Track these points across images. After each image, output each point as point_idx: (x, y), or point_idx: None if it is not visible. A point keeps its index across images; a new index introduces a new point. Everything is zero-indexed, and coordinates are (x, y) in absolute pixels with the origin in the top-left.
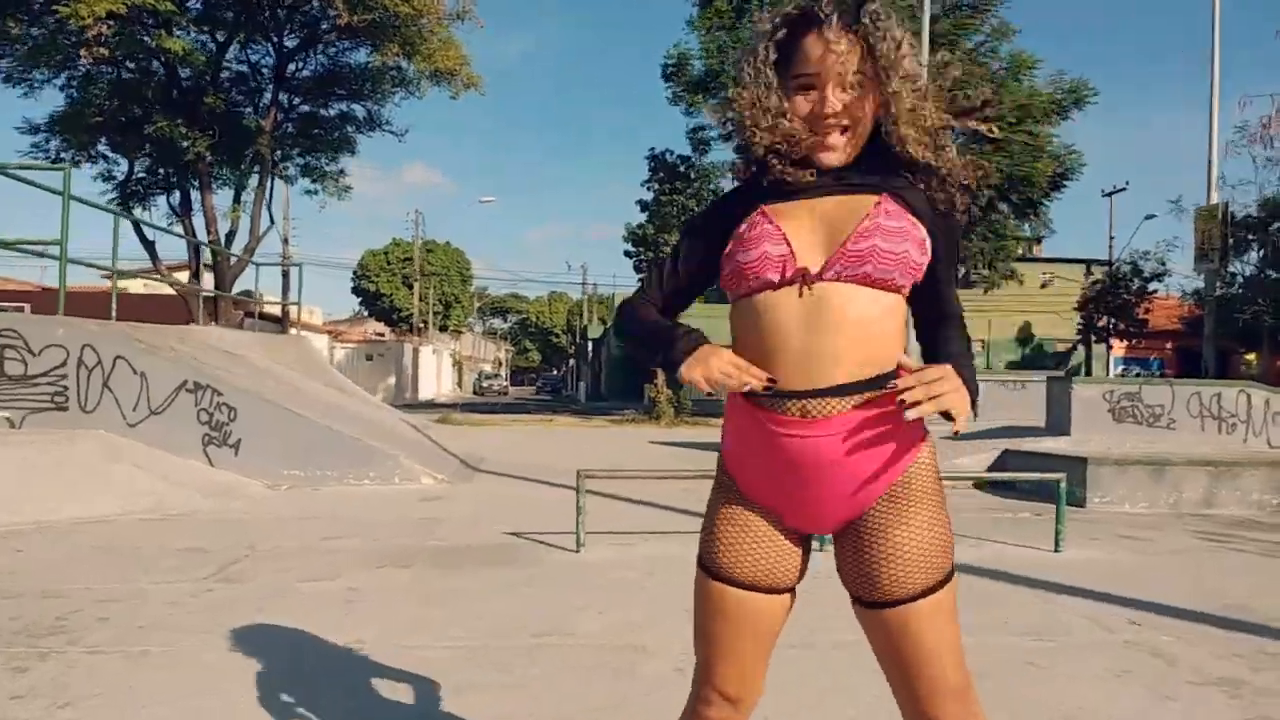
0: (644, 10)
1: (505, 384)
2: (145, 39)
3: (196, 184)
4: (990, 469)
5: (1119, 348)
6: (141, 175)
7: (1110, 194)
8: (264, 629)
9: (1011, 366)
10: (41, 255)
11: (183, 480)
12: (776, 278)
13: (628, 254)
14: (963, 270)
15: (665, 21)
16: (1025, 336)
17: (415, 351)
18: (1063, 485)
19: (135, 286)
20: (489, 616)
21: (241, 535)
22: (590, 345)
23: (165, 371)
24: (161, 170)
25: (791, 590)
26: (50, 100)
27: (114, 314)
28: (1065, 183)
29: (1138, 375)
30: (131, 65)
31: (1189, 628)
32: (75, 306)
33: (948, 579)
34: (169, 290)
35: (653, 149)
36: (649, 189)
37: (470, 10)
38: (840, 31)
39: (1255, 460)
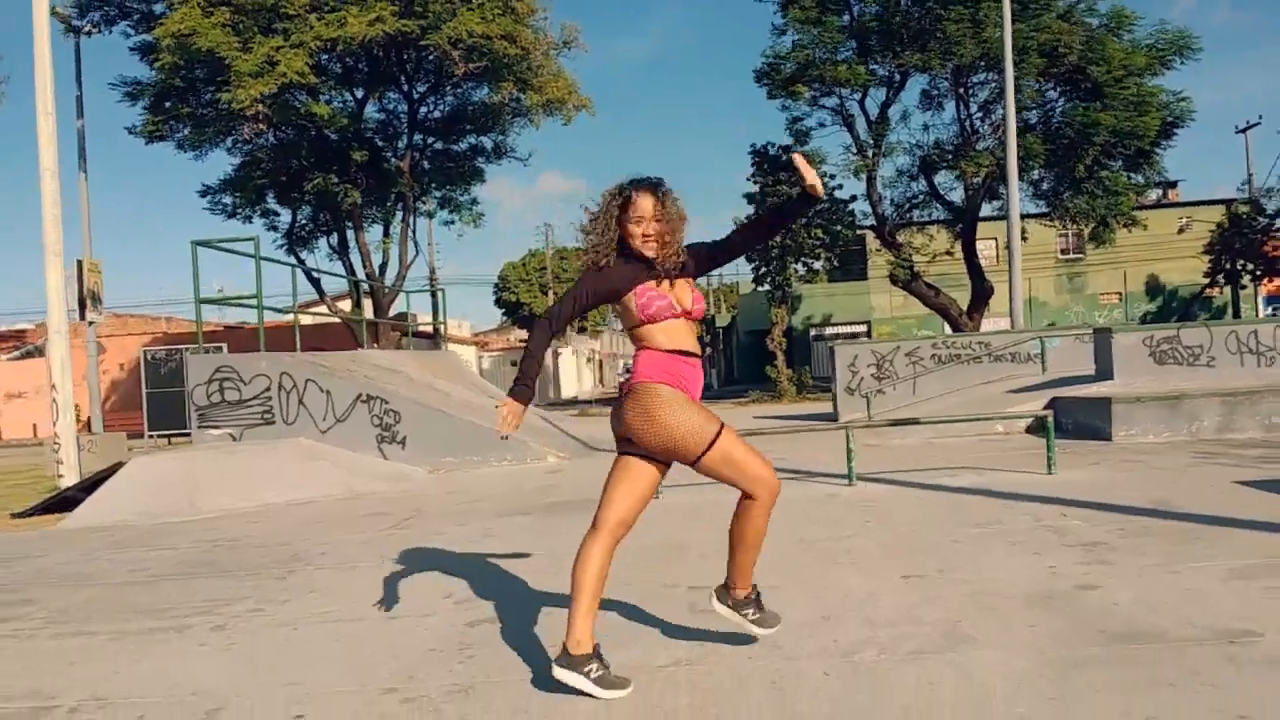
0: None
1: None
2: (296, 106)
3: (351, 225)
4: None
5: (1269, 287)
6: (304, 223)
7: (1243, 130)
8: (428, 552)
9: (1145, 317)
10: (244, 306)
11: (364, 471)
12: (670, 314)
13: None
14: (1084, 227)
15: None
16: (1154, 287)
17: (555, 353)
18: (1050, 419)
19: (305, 319)
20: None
21: (410, 504)
22: (721, 334)
23: (344, 389)
24: (321, 217)
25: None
26: (217, 161)
27: (298, 345)
28: (1175, 131)
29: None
30: (286, 130)
31: (1103, 516)
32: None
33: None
34: (335, 320)
35: (754, 144)
36: (753, 181)
37: (576, 39)
38: (647, 196)
39: (1271, 387)
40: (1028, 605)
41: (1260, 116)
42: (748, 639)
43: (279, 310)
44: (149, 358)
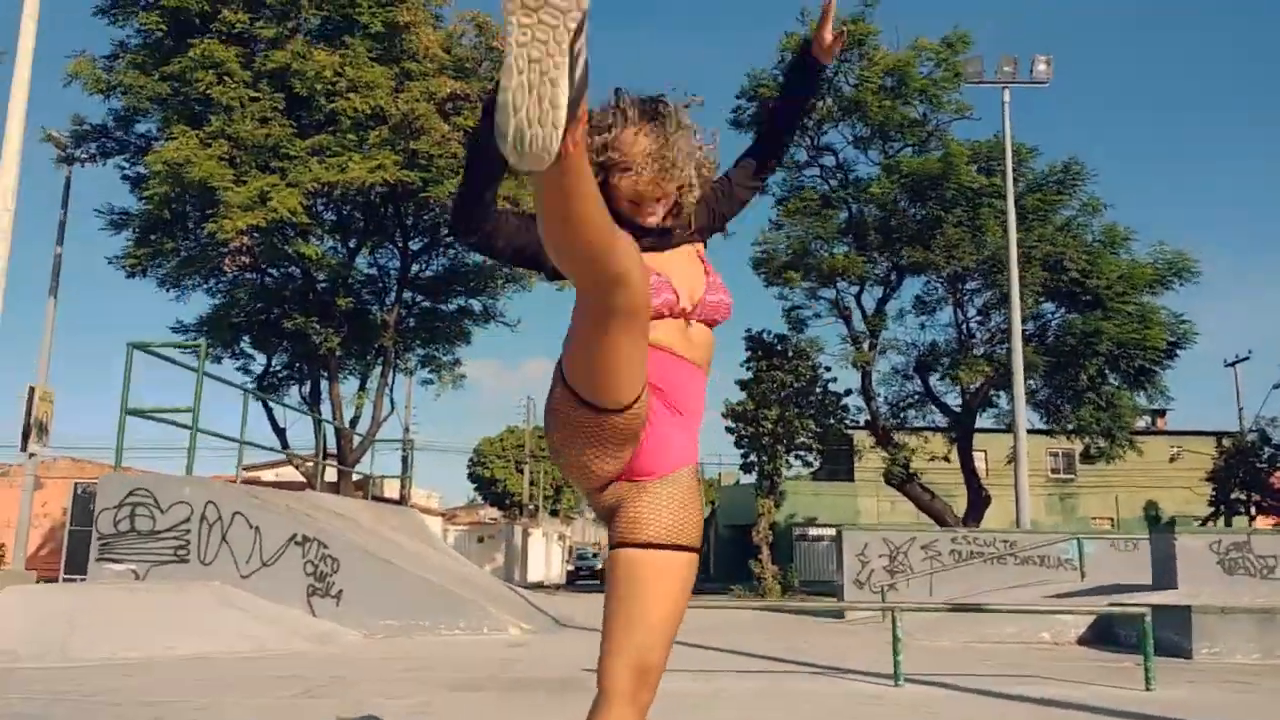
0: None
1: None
2: (285, 247)
3: (326, 375)
4: (1092, 627)
5: (1263, 522)
6: (277, 369)
7: (1233, 364)
8: None
9: None
10: (174, 424)
11: (285, 626)
12: (667, 313)
13: (729, 429)
14: (1081, 444)
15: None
16: (1153, 515)
17: (525, 533)
18: (1148, 619)
19: (267, 476)
20: None
21: (331, 668)
22: None
23: (277, 525)
24: (296, 364)
25: None
26: (198, 302)
27: (238, 476)
28: (1178, 351)
29: None
30: (272, 271)
31: None
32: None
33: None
34: (299, 478)
35: (749, 329)
36: (747, 368)
37: None
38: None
39: None
40: None
41: (1250, 351)
42: None
43: (222, 437)
44: (79, 491)
